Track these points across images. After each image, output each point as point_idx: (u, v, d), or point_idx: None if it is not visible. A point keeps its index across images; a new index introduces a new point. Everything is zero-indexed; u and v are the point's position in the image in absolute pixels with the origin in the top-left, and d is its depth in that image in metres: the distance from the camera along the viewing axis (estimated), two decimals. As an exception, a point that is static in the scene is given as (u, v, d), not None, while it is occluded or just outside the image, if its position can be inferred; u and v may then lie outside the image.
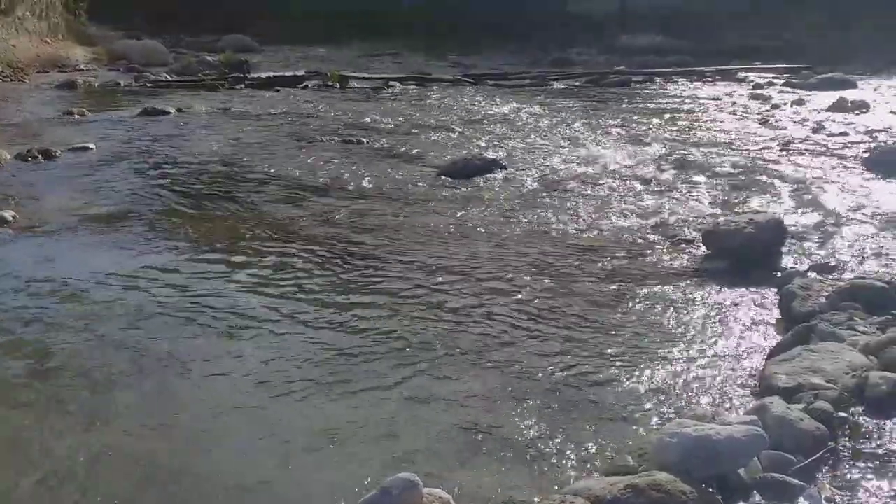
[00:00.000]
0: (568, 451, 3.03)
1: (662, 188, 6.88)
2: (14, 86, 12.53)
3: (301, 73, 14.19)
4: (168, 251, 5.23)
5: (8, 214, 5.77)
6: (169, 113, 10.34)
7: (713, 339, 4.00)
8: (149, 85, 13.11)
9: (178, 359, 3.73)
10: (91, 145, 8.20)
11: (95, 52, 16.52)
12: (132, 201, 6.34)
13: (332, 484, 2.81)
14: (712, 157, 8.03)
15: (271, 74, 13.94)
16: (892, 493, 2.60)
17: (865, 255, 5.06)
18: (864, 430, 2.93)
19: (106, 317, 4.18)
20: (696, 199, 6.53)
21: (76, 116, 9.96)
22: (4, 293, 4.45)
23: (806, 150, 8.39)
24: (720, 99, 12.42)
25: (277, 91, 12.81)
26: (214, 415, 3.28)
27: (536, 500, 2.65)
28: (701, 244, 5.28)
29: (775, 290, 4.56)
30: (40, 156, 7.66)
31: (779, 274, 4.79)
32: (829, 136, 9.13)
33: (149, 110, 10.32)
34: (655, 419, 3.24)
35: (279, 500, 2.76)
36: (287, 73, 14.09)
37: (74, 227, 5.67)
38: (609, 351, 3.88)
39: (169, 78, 13.88)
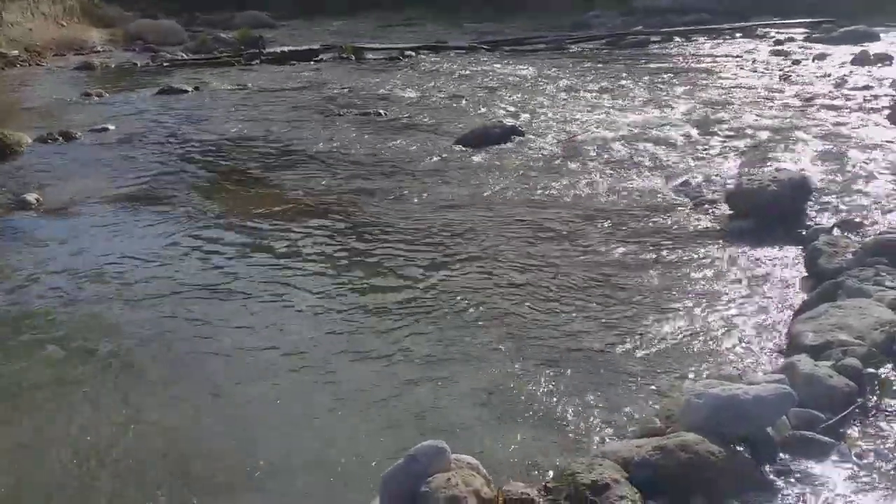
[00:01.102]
0: (594, 414, 3.03)
1: (684, 149, 6.81)
2: (32, 69, 12.59)
3: (316, 46, 14.13)
4: (190, 228, 5.26)
5: (32, 197, 5.82)
6: (186, 91, 10.35)
7: (738, 299, 3.98)
8: (165, 64, 13.12)
9: (207, 332, 3.78)
10: (110, 126, 8.24)
11: (111, 33, 16.53)
12: (154, 180, 6.37)
13: (361, 452, 2.83)
14: (734, 116, 7.94)
15: (286, 49, 13.89)
16: (924, 448, 2.59)
17: (891, 210, 4.98)
18: (893, 385, 2.90)
19: (134, 295, 4.21)
20: (719, 159, 6.46)
21: (94, 98, 9.99)
22: (34, 274, 4.50)
23: (829, 105, 8.27)
24: (740, 56, 12.26)
25: (293, 65, 12.78)
26: (243, 386, 3.31)
27: (564, 463, 2.65)
28: (724, 204, 5.23)
29: (801, 247, 4.52)
30: (61, 138, 7.71)
31: (804, 231, 4.74)
32: (852, 90, 9.00)
33: (166, 89, 10.34)
34: (682, 380, 3.23)
35: (310, 468, 2.78)
36: (302, 48, 14.03)
37: (98, 208, 5.71)
38: (633, 312, 3.86)
39: (185, 56, 13.88)
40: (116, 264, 4.65)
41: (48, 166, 6.81)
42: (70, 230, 5.29)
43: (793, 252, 4.52)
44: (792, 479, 2.50)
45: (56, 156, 7.18)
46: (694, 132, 7.36)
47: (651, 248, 4.68)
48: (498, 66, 12.07)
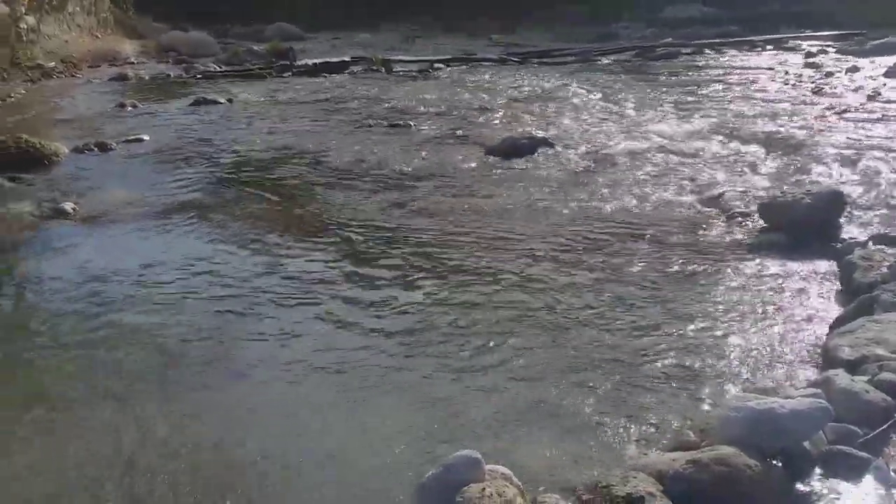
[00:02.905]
0: (629, 427, 3.02)
1: (715, 161, 6.79)
2: (68, 80, 12.79)
3: (346, 58, 14.25)
4: (224, 239, 5.31)
5: (69, 206, 5.91)
6: (219, 103, 10.46)
7: (773, 312, 3.95)
8: (198, 76, 13.28)
9: (238, 342, 3.80)
10: (145, 137, 8.35)
11: (144, 45, 16.77)
12: (187, 191, 6.44)
13: (395, 461, 2.85)
14: (766, 128, 7.90)
15: (317, 61, 14.02)
16: (963, 465, 2.56)
17: (928, 224, 4.94)
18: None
19: (169, 303, 4.27)
20: (751, 172, 6.43)
21: (129, 109, 10.13)
22: (72, 282, 4.57)
23: (862, 118, 8.21)
24: (772, 68, 12.20)
25: (324, 77, 12.89)
26: (275, 396, 3.34)
27: (598, 476, 2.65)
28: (758, 217, 5.20)
29: (835, 261, 4.49)
30: (96, 148, 7.82)
31: (838, 245, 4.70)
32: (885, 102, 8.92)
33: (199, 101, 10.46)
34: (717, 394, 3.22)
35: (346, 476, 2.80)
36: (332, 60, 14.15)
37: (133, 218, 5.78)
38: (666, 325, 3.85)
39: (217, 68, 14.04)
40: (150, 272, 4.70)
41: (84, 176, 6.92)
42: (105, 239, 5.36)
43: (827, 266, 4.49)
44: (828, 495, 2.48)
45: (92, 166, 7.29)
46: (725, 144, 7.34)
47: (683, 260, 4.66)
48: (527, 77, 12.09)
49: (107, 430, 3.11)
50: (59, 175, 6.97)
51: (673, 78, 11.68)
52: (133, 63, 14.96)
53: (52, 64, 13.16)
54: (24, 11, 12.61)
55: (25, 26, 12.77)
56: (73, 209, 5.91)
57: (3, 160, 6.97)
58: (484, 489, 2.41)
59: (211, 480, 2.79)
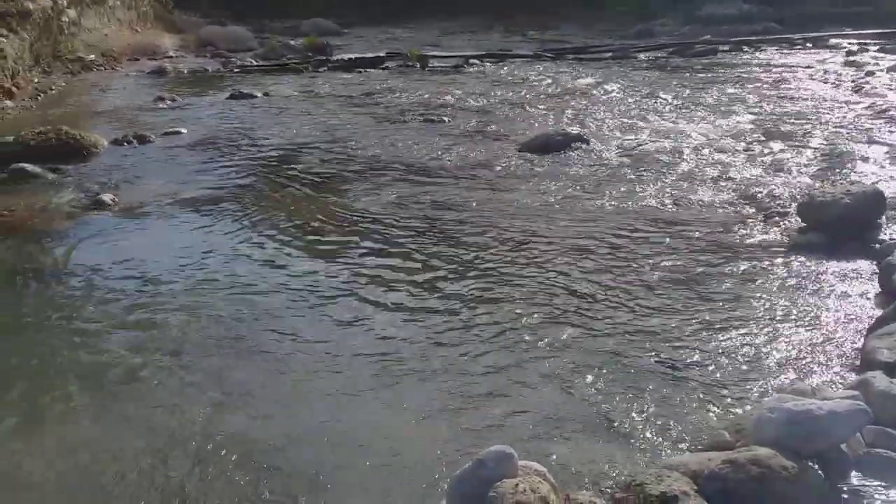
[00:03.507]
0: (662, 426, 3.01)
1: (753, 160, 6.72)
2: (108, 73, 12.95)
3: (382, 53, 14.28)
4: (260, 232, 5.37)
5: (108, 198, 6.00)
6: (256, 97, 10.54)
7: (811, 313, 3.91)
8: (236, 70, 13.39)
9: (271, 335, 3.85)
10: (183, 130, 8.44)
11: (183, 39, 16.94)
12: (224, 183, 6.51)
13: (430, 456, 2.86)
14: (805, 127, 7.80)
15: (353, 56, 14.06)
16: None
17: (971, 226, 4.85)
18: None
19: (207, 294, 4.33)
20: (790, 171, 6.35)
21: (168, 102, 10.24)
22: (110, 272, 4.65)
23: (904, 117, 8.06)
24: (811, 67, 12.02)
25: (360, 72, 12.93)
26: (310, 391, 3.37)
27: (632, 474, 2.64)
28: (796, 216, 5.14)
29: (874, 262, 4.42)
30: (135, 140, 7.92)
31: (878, 246, 4.63)
32: (928, 102, 8.75)
33: (236, 94, 10.55)
34: (752, 394, 3.20)
35: (378, 471, 2.82)
36: (368, 55, 14.19)
37: (170, 210, 5.86)
38: (703, 325, 3.83)
39: (255, 63, 14.14)
40: (187, 263, 4.78)
41: (123, 167, 7.01)
42: (144, 230, 5.45)
43: (866, 267, 4.43)
44: (865, 498, 2.46)
45: (131, 157, 7.38)
46: (763, 143, 7.25)
47: (720, 259, 4.63)
48: (562, 74, 12.04)
49: (159, 410, 3.16)
50: (98, 167, 7.07)
51: (710, 75, 11.56)
52: (172, 57, 15.11)
53: (93, 57, 13.34)
54: (65, 5, 12.78)
55: (67, 19, 12.95)
56: (113, 200, 5.99)
57: (44, 151, 7.10)
58: (517, 485, 2.41)
59: (243, 469, 2.83)
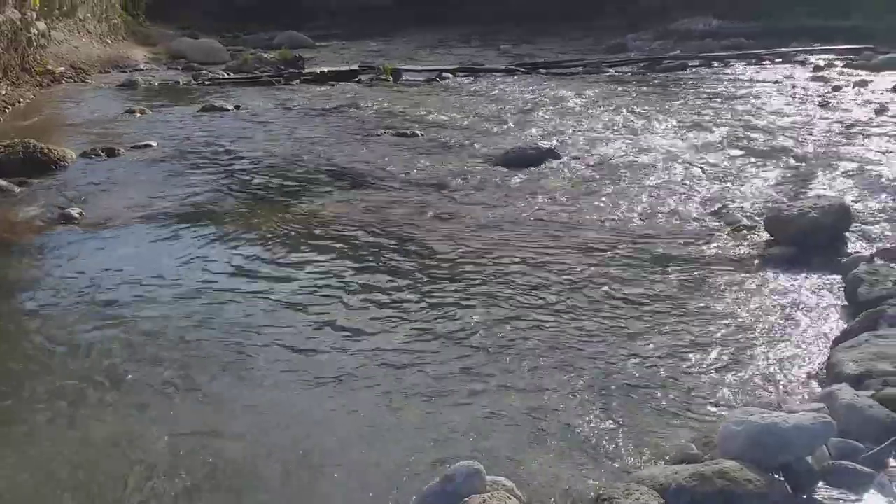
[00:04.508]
0: (631, 440, 3.02)
1: (722, 174, 6.78)
2: (77, 86, 12.84)
3: (355, 67, 14.30)
4: (227, 245, 5.32)
5: (75, 212, 5.93)
6: (227, 109, 10.49)
7: (777, 327, 3.94)
8: (207, 83, 13.32)
9: (240, 349, 3.81)
10: (153, 143, 8.37)
11: (154, 52, 16.86)
12: (194, 197, 6.46)
13: (396, 472, 2.84)
14: (772, 142, 7.90)
15: (325, 69, 14.06)
16: (967, 482, 2.54)
17: (934, 239, 4.92)
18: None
19: (167, 309, 4.28)
20: (758, 185, 6.42)
21: (138, 115, 10.17)
22: (75, 289, 4.59)
23: (869, 132, 8.19)
24: (780, 82, 12.19)
25: (332, 85, 12.92)
26: (279, 402, 3.34)
27: (600, 488, 2.64)
28: (763, 230, 5.20)
29: (840, 276, 4.47)
30: (104, 154, 7.83)
31: (844, 260, 4.68)
32: (893, 117, 8.89)
33: (208, 107, 10.50)
34: (719, 407, 3.22)
35: (343, 487, 2.79)
36: (341, 68, 14.19)
37: (139, 224, 5.80)
38: (671, 339, 3.85)
39: (226, 75, 14.08)
40: (153, 279, 4.72)
41: (91, 181, 6.93)
42: (110, 245, 5.38)
43: (832, 280, 4.48)
44: (831, 510, 2.47)
45: (100, 171, 7.30)
46: (731, 157, 7.33)
47: (688, 273, 4.66)
48: (535, 88, 12.10)
49: (105, 439, 3.12)
50: (66, 180, 6.99)
51: (680, 90, 11.68)
52: (143, 69, 15.02)
53: (62, 69, 13.22)
54: (35, 17, 12.67)
55: (36, 31, 12.83)
56: (80, 214, 5.93)
57: (12, 165, 7.00)
58: (485, 500, 2.41)
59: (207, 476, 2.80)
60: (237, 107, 10.71)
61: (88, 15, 15.63)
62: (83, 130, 9.19)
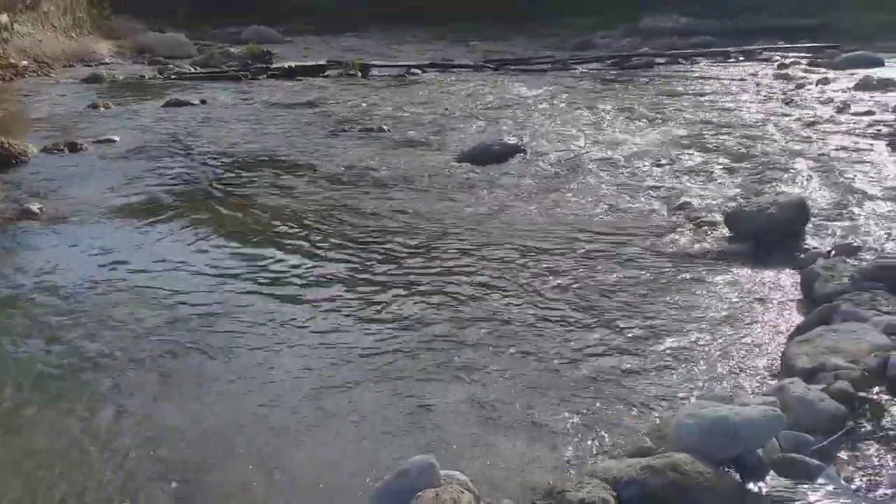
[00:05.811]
0: (586, 433, 3.04)
1: (684, 170, 6.84)
2: (41, 80, 12.68)
3: (322, 62, 14.25)
4: (194, 241, 5.29)
5: (35, 207, 5.86)
6: (193, 104, 10.42)
7: (734, 321, 3.98)
8: (173, 77, 13.22)
9: (204, 349, 3.78)
10: (116, 137, 8.30)
11: (120, 46, 16.68)
12: (156, 191, 6.41)
13: (350, 467, 2.84)
14: (736, 139, 7.97)
15: (293, 64, 13.99)
16: (913, 473, 2.59)
17: (890, 236, 4.99)
18: (884, 410, 2.91)
19: (135, 306, 4.24)
20: (719, 181, 6.48)
21: (101, 109, 10.06)
22: (32, 285, 4.53)
23: (830, 129, 8.30)
24: (744, 79, 12.33)
25: (300, 81, 12.86)
26: (235, 402, 3.33)
27: (554, 482, 2.66)
28: (724, 226, 5.25)
29: (798, 271, 4.53)
30: (66, 149, 7.76)
31: (801, 255, 4.75)
32: (854, 115, 9.02)
33: (173, 102, 10.41)
34: (676, 400, 3.24)
35: (298, 485, 2.79)
36: (308, 63, 14.13)
37: (100, 219, 5.74)
38: (627, 332, 3.87)
39: (193, 70, 13.98)
40: (114, 274, 4.68)
41: (52, 176, 6.86)
42: (71, 240, 5.32)
43: (790, 275, 4.53)
44: (780, 502, 2.50)
45: (61, 166, 7.23)
46: (695, 154, 7.40)
47: (648, 268, 4.69)
48: (503, 84, 12.14)
49: (71, 418, 3.09)
50: (27, 175, 6.91)
51: (646, 87, 11.77)
52: (108, 63, 14.86)
53: (25, 63, 13.04)
54: (-4, 9, 12.50)
55: (-2, 24, 12.66)
56: (40, 209, 5.85)
57: (-30, 159, 6.91)
58: (437, 495, 2.41)
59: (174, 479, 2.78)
60: (203, 101, 10.64)
61: (52, 8, 15.42)
62: (46, 125, 9.09)
